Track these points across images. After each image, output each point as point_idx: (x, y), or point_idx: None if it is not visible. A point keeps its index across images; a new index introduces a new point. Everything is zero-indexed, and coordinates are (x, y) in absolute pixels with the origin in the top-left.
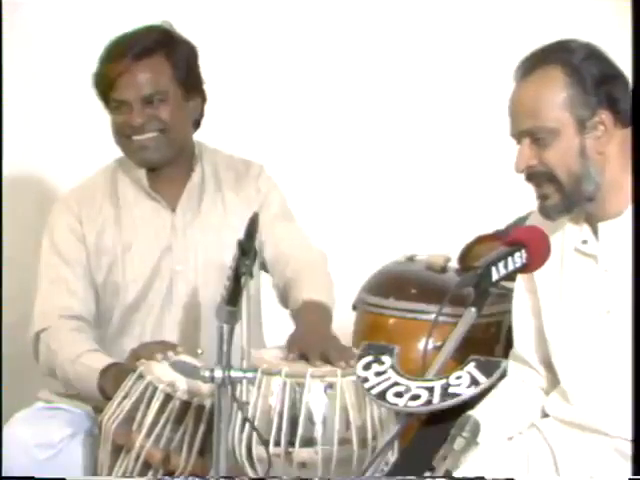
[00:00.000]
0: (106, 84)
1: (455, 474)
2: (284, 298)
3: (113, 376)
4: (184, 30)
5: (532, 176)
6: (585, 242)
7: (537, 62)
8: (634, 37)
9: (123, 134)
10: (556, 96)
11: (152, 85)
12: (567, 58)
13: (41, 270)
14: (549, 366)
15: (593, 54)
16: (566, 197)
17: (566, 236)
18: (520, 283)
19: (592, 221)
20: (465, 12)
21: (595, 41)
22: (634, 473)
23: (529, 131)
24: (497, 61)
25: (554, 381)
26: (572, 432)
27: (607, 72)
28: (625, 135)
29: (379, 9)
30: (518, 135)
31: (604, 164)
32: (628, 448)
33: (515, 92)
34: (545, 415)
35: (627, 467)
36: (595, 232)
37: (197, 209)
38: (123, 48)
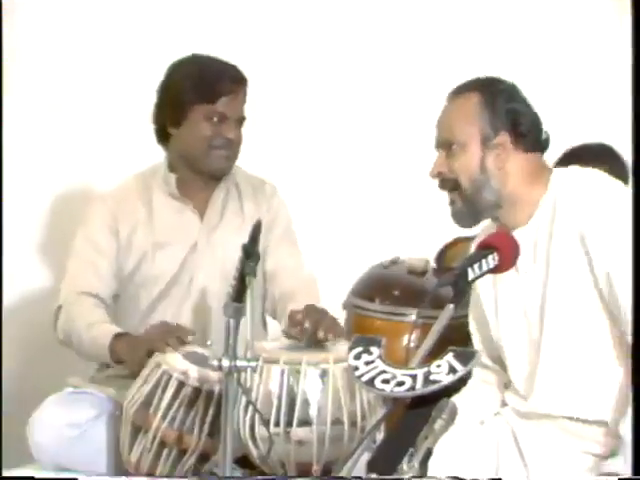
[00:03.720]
0: (213, 95)
1: (435, 450)
2: (274, 309)
3: (126, 342)
4: (181, 37)
5: (443, 183)
6: None
7: (463, 88)
8: (634, 37)
9: (212, 144)
10: (470, 116)
11: (242, 109)
12: (487, 88)
13: (72, 255)
14: (503, 366)
15: (510, 90)
16: (469, 203)
17: None
18: (472, 301)
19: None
20: (465, 12)
21: (595, 41)
22: (634, 473)
23: (444, 142)
24: (496, 61)
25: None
26: (526, 420)
27: (517, 106)
28: (526, 158)
29: (376, 18)
30: (437, 146)
31: (505, 179)
32: (574, 426)
33: (442, 110)
34: (505, 405)
35: (576, 443)
36: None
37: (221, 214)
38: (238, 71)
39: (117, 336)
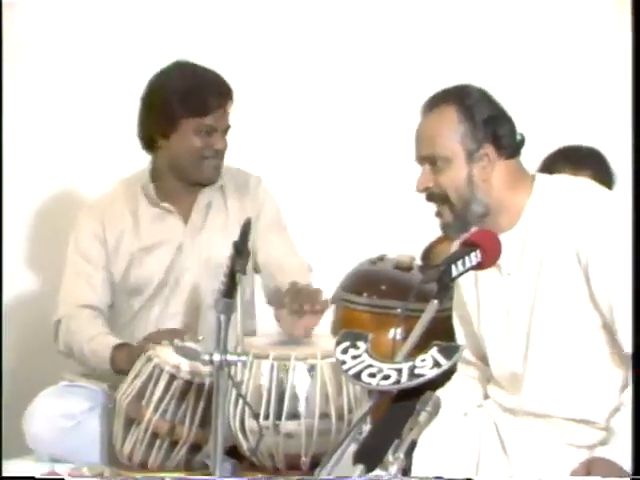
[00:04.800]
0: (203, 110)
1: (420, 442)
2: (271, 298)
3: (125, 353)
4: (177, 40)
5: (430, 197)
6: None
7: (438, 101)
8: (634, 37)
9: (202, 155)
10: (450, 130)
11: (228, 120)
12: (462, 99)
13: (66, 267)
14: (486, 362)
15: (484, 98)
16: (458, 216)
17: None
18: (455, 298)
19: None
20: (464, 12)
21: (595, 40)
22: (634, 473)
23: (428, 157)
24: (496, 61)
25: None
26: (508, 416)
27: (494, 113)
28: (507, 165)
29: (362, 16)
30: (420, 160)
31: (489, 189)
32: (564, 424)
33: (419, 124)
34: (488, 397)
35: (561, 435)
36: None
37: (205, 215)
38: (225, 84)
39: (117, 347)
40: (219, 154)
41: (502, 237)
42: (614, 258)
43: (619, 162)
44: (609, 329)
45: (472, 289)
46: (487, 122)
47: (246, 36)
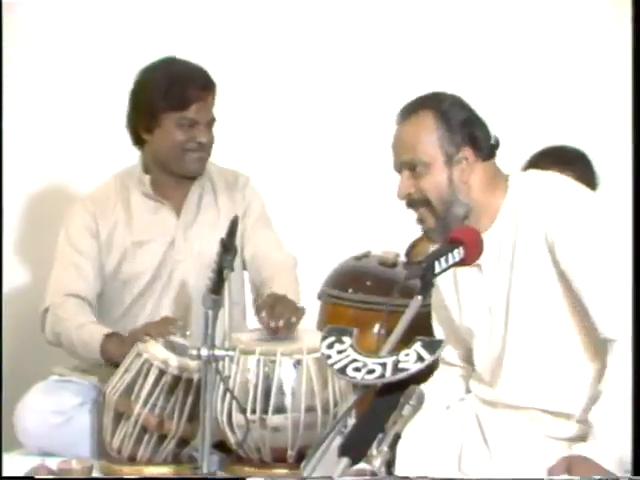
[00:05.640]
0: (183, 103)
1: (403, 435)
2: (259, 293)
3: (116, 342)
4: (171, 37)
5: (411, 202)
6: None
7: (414, 108)
8: (634, 36)
9: (185, 148)
10: (428, 136)
11: (211, 113)
12: (438, 104)
13: (56, 258)
14: (468, 361)
15: (458, 102)
16: (440, 220)
17: None
18: (434, 300)
19: None
20: (464, 12)
21: (595, 40)
22: (634, 473)
23: (408, 163)
24: (495, 60)
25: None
26: (489, 409)
27: (468, 116)
28: (484, 167)
29: (357, 18)
30: (399, 167)
31: (469, 191)
32: (540, 416)
33: (397, 131)
34: (470, 391)
35: (540, 428)
36: None
37: (197, 210)
38: (206, 77)
39: (107, 336)
40: (203, 147)
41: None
42: (581, 239)
43: (618, 163)
44: (582, 315)
45: (451, 288)
46: (463, 125)
47: (233, 31)
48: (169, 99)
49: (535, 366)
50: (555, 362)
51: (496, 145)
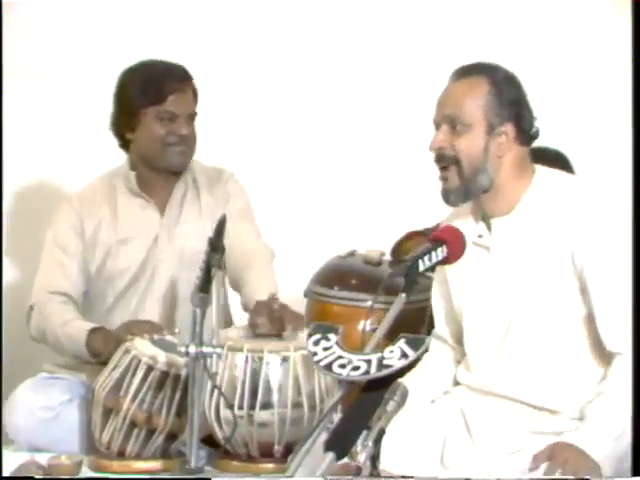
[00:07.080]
0: (160, 96)
1: (388, 430)
2: (235, 282)
3: (102, 337)
4: (170, 39)
5: (440, 157)
6: (480, 236)
7: (469, 70)
8: (634, 36)
9: (167, 142)
10: (477, 98)
11: (192, 106)
12: (493, 74)
13: (43, 257)
14: (460, 342)
15: (513, 80)
16: (464, 183)
17: (467, 232)
18: (436, 275)
19: (486, 219)
20: (463, 12)
21: (595, 39)
22: (634, 474)
23: (449, 117)
24: (493, 61)
25: (464, 354)
26: (476, 396)
27: (520, 96)
28: (521, 152)
29: (348, 15)
30: (440, 120)
31: (500, 167)
32: (529, 411)
33: (447, 88)
34: (457, 383)
35: (526, 424)
36: (489, 228)
37: (180, 208)
38: (182, 70)
39: (92, 331)
40: (184, 139)
41: (497, 221)
42: (610, 264)
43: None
44: (589, 323)
45: (457, 267)
46: (513, 102)
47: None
48: (146, 94)
49: (533, 360)
50: (553, 360)
51: (536, 135)
